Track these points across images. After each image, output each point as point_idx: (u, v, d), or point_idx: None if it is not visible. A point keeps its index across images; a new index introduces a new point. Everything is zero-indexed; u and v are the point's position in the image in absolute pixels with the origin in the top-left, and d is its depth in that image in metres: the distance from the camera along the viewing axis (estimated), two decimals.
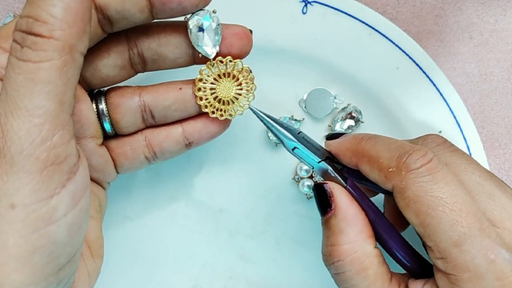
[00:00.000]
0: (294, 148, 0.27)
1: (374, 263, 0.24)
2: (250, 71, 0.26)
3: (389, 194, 0.24)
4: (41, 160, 0.18)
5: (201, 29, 0.24)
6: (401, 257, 0.25)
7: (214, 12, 0.25)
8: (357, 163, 0.25)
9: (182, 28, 0.25)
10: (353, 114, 0.34)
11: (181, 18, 0.25)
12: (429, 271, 0.24)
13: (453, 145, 0.26)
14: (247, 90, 0.26)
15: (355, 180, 0.26)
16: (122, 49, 0.25)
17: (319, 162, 0.27)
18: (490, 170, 0.34)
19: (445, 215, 0.21)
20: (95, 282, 0.26)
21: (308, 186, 0.34)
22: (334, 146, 0.27)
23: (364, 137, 0.26)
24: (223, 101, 0.26)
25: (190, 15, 0.24)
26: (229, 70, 0.26)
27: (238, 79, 0.26)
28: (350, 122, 0.34)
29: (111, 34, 0.24)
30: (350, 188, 0.25)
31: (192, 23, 0.24)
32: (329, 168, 0.26)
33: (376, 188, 0.25)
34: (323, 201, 0.25)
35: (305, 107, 0.34)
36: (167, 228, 0.34)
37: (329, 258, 0.25)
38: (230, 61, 0.25)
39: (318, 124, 0.35)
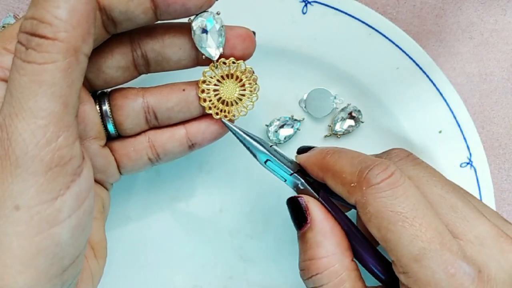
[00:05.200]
0: (267, 160, 0.27)
1: (351, 276, 0.24)
2: (253, 72, 0.26)
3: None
4: (45, 162, 0.18)
5: (204, 30, 0.24)
6: (375, 269, 0.25)
7: (218, 13, 0.25)
8: (323, 177, 0.25)
9: (186, 29, 0.25)
10: (353, 114, 0.34)
11: (185, 20, 0.25)
12: None
13: (417, 158, 0.26)
14: (250, 91, 0.26)
15: (328, 194, 0.26)
16: (125, 51, 0.25)
17: (291, 174, 0.27)
18: (490, 170, 0.34)
19: (405, 230, 0.21)
20: (98, 283, 0.26)
21: None
22: (302, 160, 0.27)
23: (330, 151, 0.26)
24: (227, 102, 0.26)
25: (193, 16, 0.24)
26: (232, 72, 0.26)
27: (241, 80, 0.26)
28: (350, 122, 0.34)
29: (114, 36, 0.24)
30: (322, 201, 0.25)
31: (196, 25, 0.24)
32: (301, 181, 0.26)
33: (345, 203, 0.25)
34: (299, 214, 0.25)
35: (305, 107, 0.34)
36: (168, 228, 0.34)
37: (307, 272, 0.25)
38: (233, 62, 0.25)
39: (318, 124, 0.35)
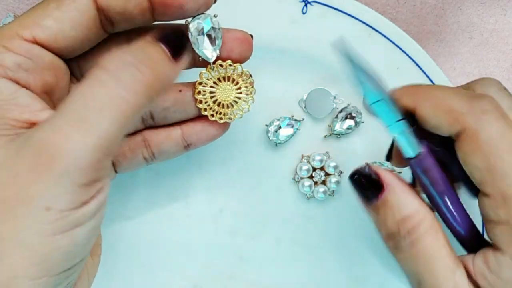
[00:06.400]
0: (375, 101, 0.24)
1: (439, 226, 0.23)
2: (250, 76, 0.26)
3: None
4: (88, 177, 0.18)
5: (201, 32, 0.24)
6: (459, 226, 0.24)
7: (215, 16, 0.25)
8: (416, 106, 0.24)
9: (182, 31, 0.25)
10: (353, 114, 0.34)
11: (182, 21, 0.25)
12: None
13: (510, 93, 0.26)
14: (246, 94, 0.27)
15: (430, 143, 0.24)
16: None
17: (398, 121, 0.24)
18: None
19: None
20: (93, 280, 0.26)
21: (309, 186, 0.34)
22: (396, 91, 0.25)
23: (423, 85, 0.25)
24: (223, 104, 0.26)
25: (191, 18, 0.24)
26: (229, 74, 0.26)
27: (237, 83, 0.26)
28: (350, 122, 0.34)
29: (112, 35, 0.24)
30: (427, 153, 0.24)
31: (193, 27, 0.24)
32: (407, 128, 0.24)
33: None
34: (371, 184, 0.24)
35: (305, 107, 0.34)
36: (167, 228, 0.34)
37: (400, 231, 0.23)
38: (230, 65, 0.25)
39: (318, 124, 0.35)
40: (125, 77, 0.19)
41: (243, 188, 0.34)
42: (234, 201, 0.35)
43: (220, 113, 0.26)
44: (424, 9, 0.36)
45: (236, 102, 0.26)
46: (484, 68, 0.37)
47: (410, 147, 0.24)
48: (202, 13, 0.24)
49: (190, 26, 0.24)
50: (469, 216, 0.25)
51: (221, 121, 0.27)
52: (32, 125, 0.20)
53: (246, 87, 0.26)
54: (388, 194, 0.23)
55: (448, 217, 0.24)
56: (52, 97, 0.22)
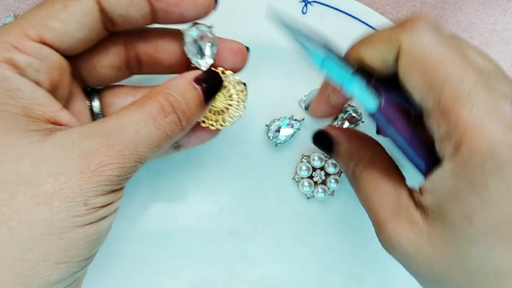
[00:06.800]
0: (324, 61, 0.23)
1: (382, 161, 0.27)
2: (243, 83, 0.26)
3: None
4: (121, 185, 0.22)
5: (196, 40, 0.25)
6: (420, 159, 0.24)
7: (211, 26, 0.25)
8: (359, 52, 0.24)
9: (179, 37, 0.26)
10: (353, 115, 0.34)
11: (180, 26, 0.25)
12: None
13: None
14: (237, 101, 0.27)
15: (388, 93, 0.24)
16: (120, 51, 0.26)
17: (352, 74, 0.23)
18: None
19: (453, 70, 0.20)
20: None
21: (309, 186, 0.34)
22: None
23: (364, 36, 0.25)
24: (214, 111, 0.26)
25: (188, 25, 0.25)
26: None
27: (229, 90, 0.26)
28: (350, 122, 0.34)
29: (111, 36, 0.25)
30: (386, 103, 0.23)
31: (188, 34, 0.25)
32: (362, 83, 0.23)
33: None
34: (327, 140, 0.29)
35: (305, 107, 0.34)
36: (167, 228, 0.34)
37: (348, 166, 0.28)
38: (223, 72, 0.26)
39: (318, 124, 0.35)
40: (170, 120, 0.22)
41: (243, 188, 0.34)
42: (234, 201, 0.35)
43: (212, 120, 0.26)
44: (424, 9, 0.36)
45: (227, 109, 0.27)
46: None
47: (369, 100, 0.23)
48: (199, 23, 0.25)
49: (186, 33, 0.25)
50: (436, 155, 0.24)
51: (213, 128, 0.27)
52: (54, 123, 0.21)
53: (237, 94, 0.26)
54: (337, 146, 0.28)
55: (415, 160, 0.24)
56: (55, 95, 0.22)
